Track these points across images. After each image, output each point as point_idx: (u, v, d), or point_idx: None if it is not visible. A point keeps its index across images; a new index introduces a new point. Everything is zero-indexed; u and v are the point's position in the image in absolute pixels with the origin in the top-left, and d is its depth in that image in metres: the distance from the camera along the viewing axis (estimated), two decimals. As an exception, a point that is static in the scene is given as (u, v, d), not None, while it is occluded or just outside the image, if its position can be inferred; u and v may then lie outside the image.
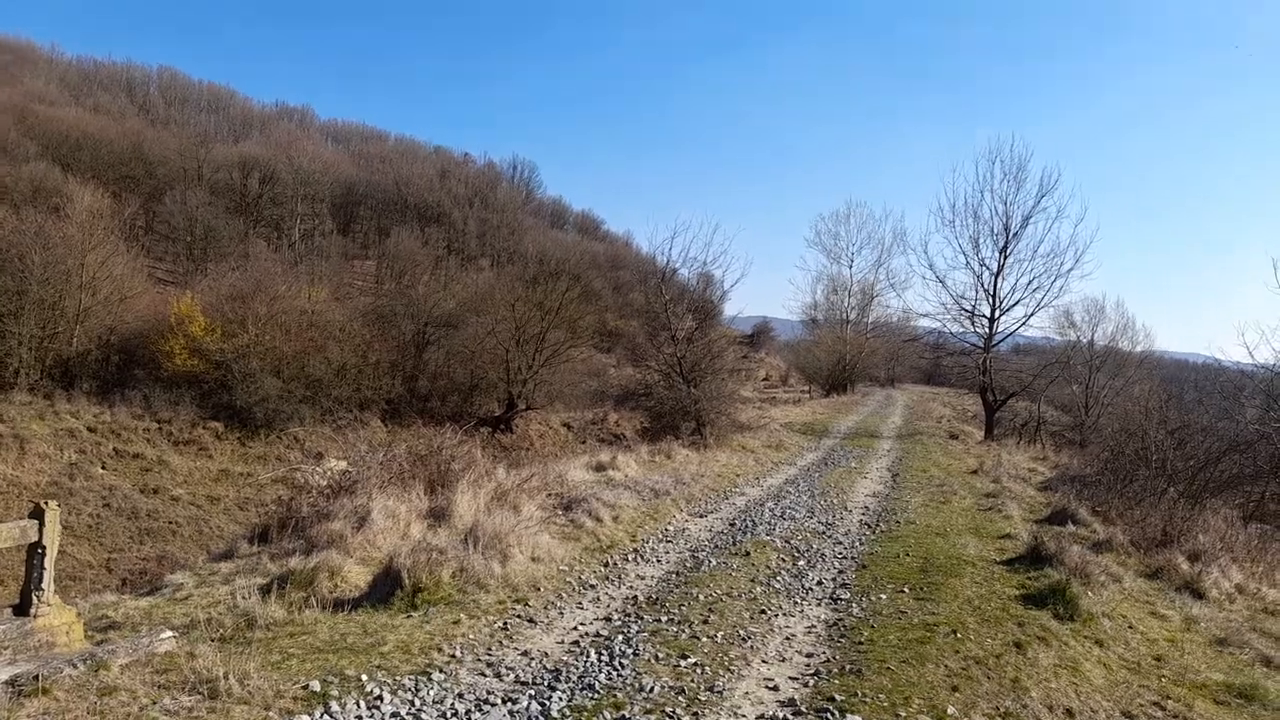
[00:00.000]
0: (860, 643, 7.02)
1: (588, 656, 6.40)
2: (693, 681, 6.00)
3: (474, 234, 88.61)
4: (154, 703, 4.91)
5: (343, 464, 14.82)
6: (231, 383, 33.39)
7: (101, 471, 27.99)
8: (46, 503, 6.00)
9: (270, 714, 4.93)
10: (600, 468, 15.77)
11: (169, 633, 6.03)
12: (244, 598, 7.11)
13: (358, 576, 8.10)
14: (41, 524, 5.88)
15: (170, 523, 25.89)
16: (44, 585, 5.93)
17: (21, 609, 5.90)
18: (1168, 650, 7.81)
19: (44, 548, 5.90)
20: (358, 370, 38.26)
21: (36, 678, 5.01)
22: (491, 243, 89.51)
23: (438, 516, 10.34)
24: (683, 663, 6.35)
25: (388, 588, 7.60)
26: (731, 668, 6.36)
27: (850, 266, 59.08)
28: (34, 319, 32.65)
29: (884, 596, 8.48)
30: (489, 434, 37.44)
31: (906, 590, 8.73)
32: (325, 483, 12.30)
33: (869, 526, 12.40)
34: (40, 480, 26.18)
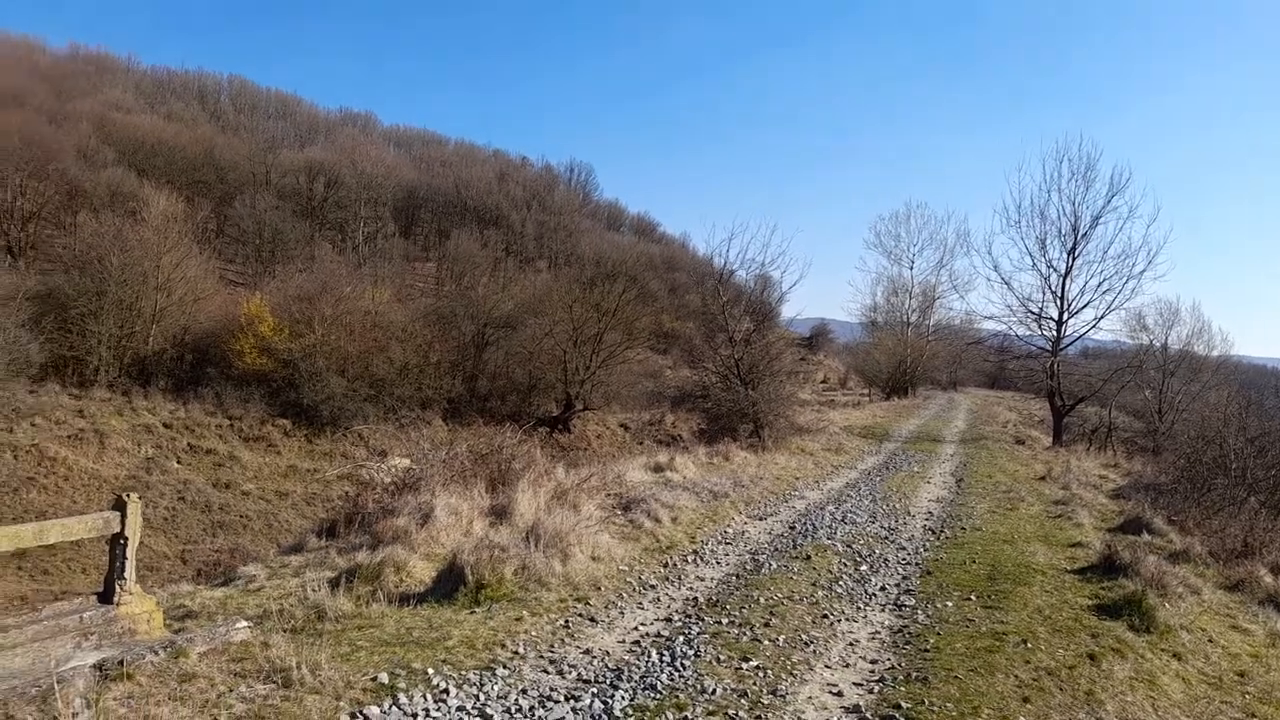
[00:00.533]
0: (926, 650, 6.89)
1: (649, 656, 6.40)
2: (755, 684, 5.96)
3: (532, 236, 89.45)
4: (231, 690, 5.06)
5: (406, 462, 15.13)
6: (299, 381, 34.29)
7: (177, 466, 29.03)
8: (128, 495, 6.22)
9: (341, 704, 5.04)
10: (658, 469, 15.77)
11: (244, 623, 6.21)
12: (313, 590, 7.29)
13: (422, 572, 8.24)
14: (123, 515, 6.09)
15: (241, 516, 26.73)
16: (126, 574, 6.15)
17: (105, 597, 6.13)
18: (1251, 666, 7.48)
19: (126, 538, 6.11)
20: (419, 370, 38.94)
21: (121, 663, 5.20)
22: (549, 245, 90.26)
23: (499, 514, 10.45)
24: (744, 665, 6.31)
25: (452, 584, 7.71)
26: (794, 672, 6.29)
27: (911, 268, 58.03)
28: (113, 319, 34.01)
29: (950, 604, 8.30)
30: (547, 434, 37.76)
31: (973, 598, 8.54)
32: (390, 480, 12.58)
33: (933, 532, 12.16)
34: (119, 474, 27.26)
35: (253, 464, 30.53)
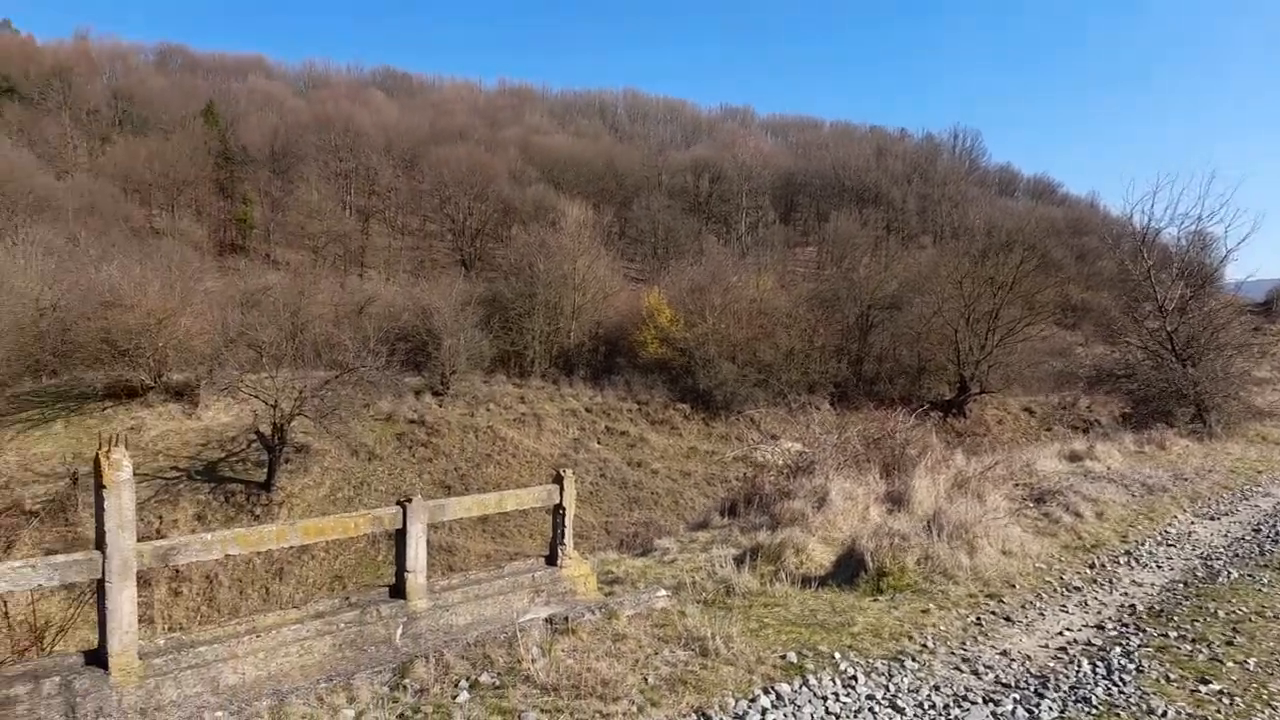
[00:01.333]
0: None
1: (1079, 666, 5.75)
2: (1218, 712, 5.05)
3: (914, 211, 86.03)
4: (656, 653, 5.53)
5: (797, 445, 15.41)
6: (694, 368, 36.83)
7: (597, 446, 32.85)
8: (564, 471, 7.07)
9: (753, 678, 5.24)
10: (1074, 457, 14.20)
11: (663, 592, 6.76)
12: (720, 566, 7.69)
13: (821, 555, 8.29)
14: (561, 489, 6.94)
15: (652, 493, 29.49)
16: (565, 541, 7.00)
17: (551, 560, 7.05)
18: None
19: (564, 509, 6.96)
20: (805, 354, 39.56)
21: (566, 619, 5.95)
22: (932, 218, 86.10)
23: (895, 501, 10.17)
24: (1203, 689, 5.38)
25: (851, 569, 7.66)
26: (1273, 703, 5.22)
27: None
28: (542, 317, 39.53)
29: None
30: (941, 418, 36.01)
31: None
32: (783, 463, 12.89)
33: None
34: (553, 452, 31.56)
35: (659, 445, 33.43)
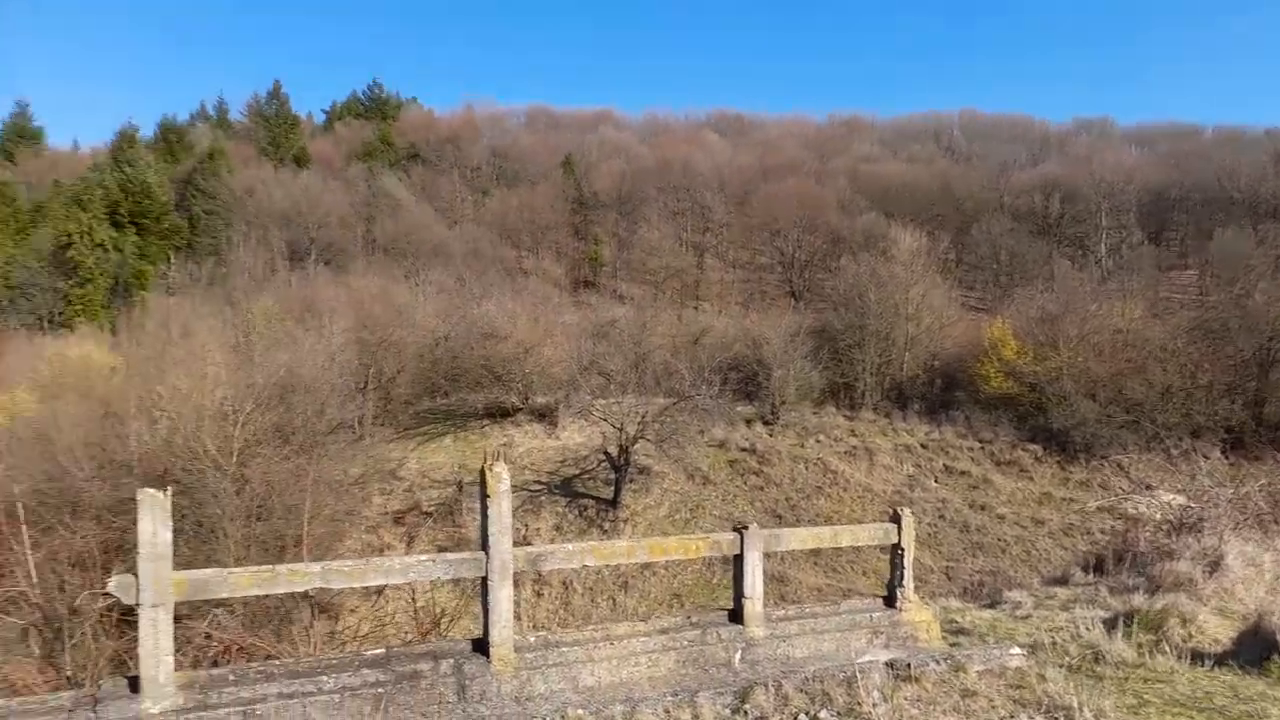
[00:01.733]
0: None
1: None
2: None
3: (1330, 223, 71.33)
4: (1011, 716, 5.06)
5: (1179, 498, 13.44)
6: (1045, 405, 33.75)
7: (934, 485, 31.27)
8: (902, 509, 6.79)
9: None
10: None
11: (1017, 650, 6.19)
12: (1086, 629, 6.89)
13: (1216, 629, 7.12)
14: (899, 528, 6.68)
15: (998, 540, 27.35)
16: (905, 583, 6.71)
17: (889, 601, 6.80)
18: None
19: (903, 549, 6.68)
20: (1185, 393, 34.52)
21: (908, 665, 5.67)
22: (1358, 231, 70.73)
23: (1319, 572, 8.45)
24: None
25: (1258, 650, 6.47)
26: None
27: None
28: (873, 348, 38.73)
29: None
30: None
31: None
32: (1160, 517, 11.33)
33: None
34: (886, 489, 30.57)
35: (1005, 488, 30.96)
